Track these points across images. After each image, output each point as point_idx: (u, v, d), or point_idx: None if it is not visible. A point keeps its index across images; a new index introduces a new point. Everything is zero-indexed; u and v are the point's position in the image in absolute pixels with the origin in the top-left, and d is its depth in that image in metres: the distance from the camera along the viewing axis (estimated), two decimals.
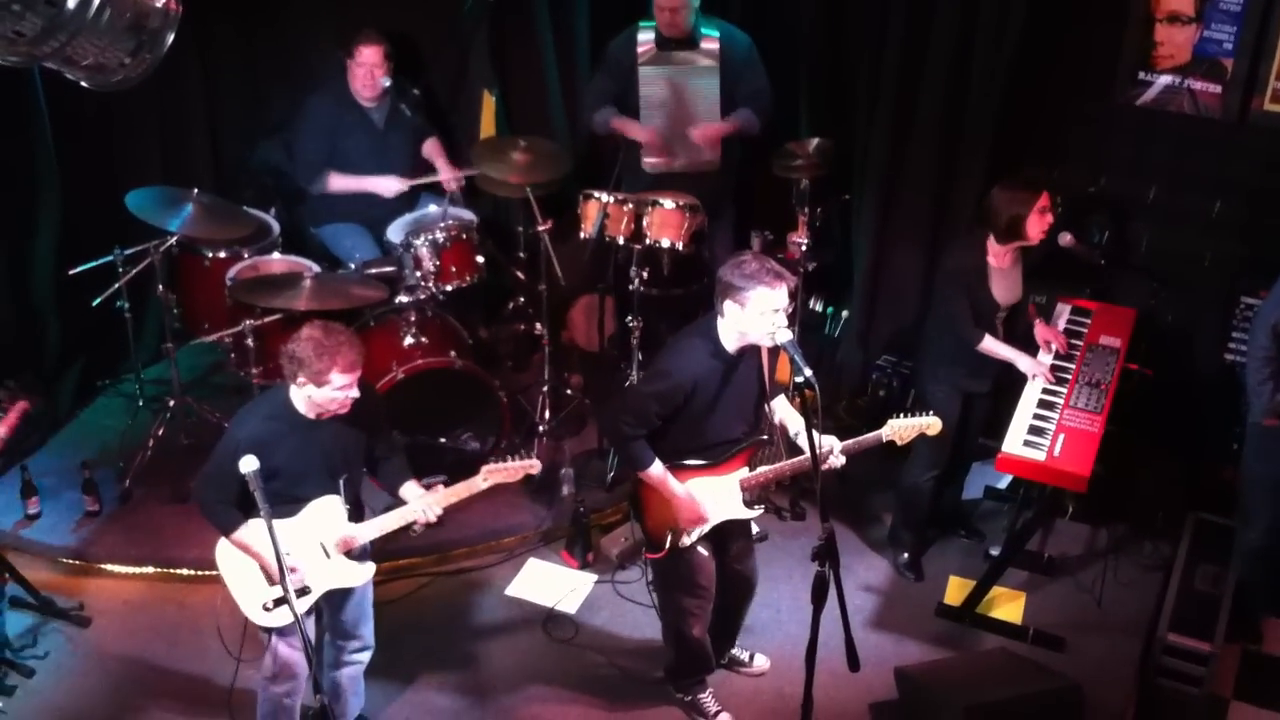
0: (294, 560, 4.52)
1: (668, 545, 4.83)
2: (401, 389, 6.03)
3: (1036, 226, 5.38)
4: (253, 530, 4.48)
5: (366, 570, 4.75)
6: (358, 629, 4.93)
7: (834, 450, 4.70)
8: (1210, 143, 6.07)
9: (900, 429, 4.83)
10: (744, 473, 4.83)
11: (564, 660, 5.57)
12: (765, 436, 4.87)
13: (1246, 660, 5.55)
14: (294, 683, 4.75)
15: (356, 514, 4.71)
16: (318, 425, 4.50)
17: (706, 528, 4.85)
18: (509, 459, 4.74)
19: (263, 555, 4.50)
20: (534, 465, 4.78)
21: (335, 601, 4.77)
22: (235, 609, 4.63)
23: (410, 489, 4.78)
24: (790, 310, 4.51)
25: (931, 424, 4.85)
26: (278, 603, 4.58)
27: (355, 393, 4.45)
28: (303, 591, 4.57)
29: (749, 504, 4.88)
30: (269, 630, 4.64)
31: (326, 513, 4.59)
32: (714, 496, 4.80)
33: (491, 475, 4.71)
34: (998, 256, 5.48)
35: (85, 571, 5.95)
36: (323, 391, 4.38)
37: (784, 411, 4.93)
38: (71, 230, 6.62)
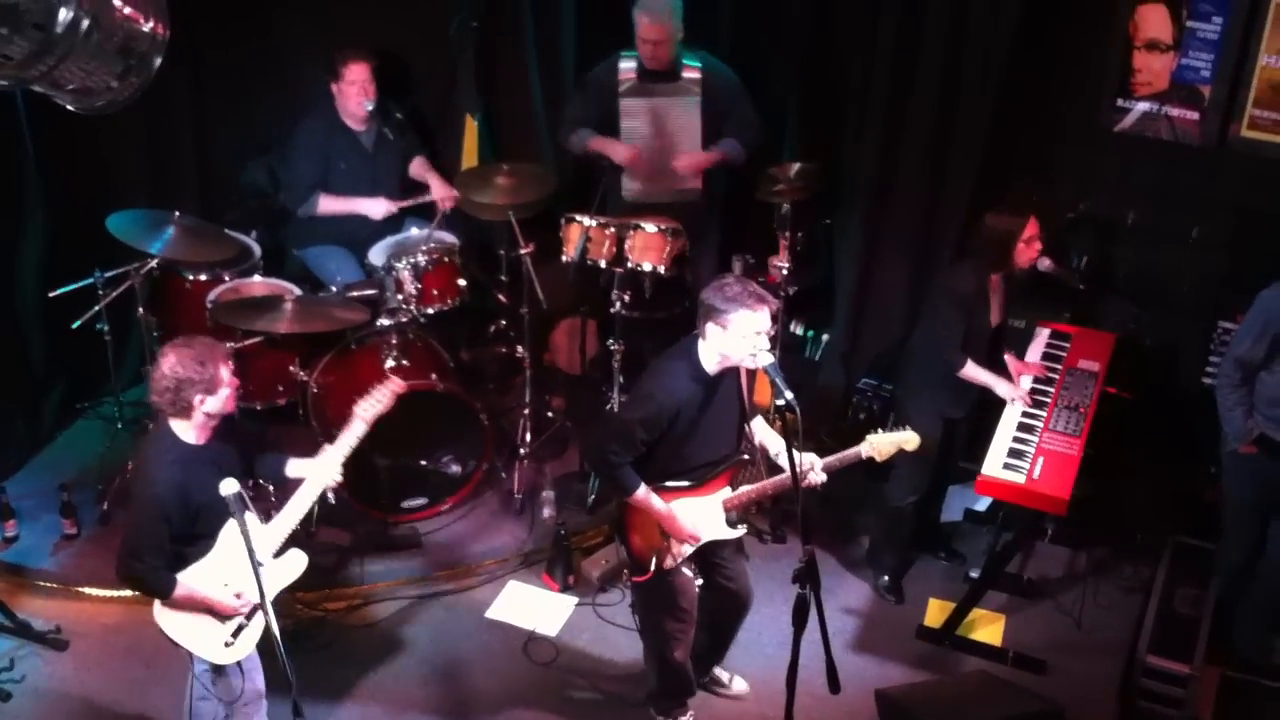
0: (235, 587, 4.47)
1: (653, 568, 4.83)
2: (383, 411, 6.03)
3: (1024, 254, 5.45)
4: (191, 579, 4.44)
5: (299, 559, 4.69)
6: None
7: (815, 467, 4.72)
8: (1189, 168, 6.11)
9: (879, 444, 4.82)
10: (726, 493, 4.84)
11: (545, 683, 5.56)
12: (746, 456, 4.87)
13: (1225, 683, 5.57)
14: (260, 702, 4.75)
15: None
16: (209, 447, 4.45)
17: (691, 549, 4.86)
18: (373, 391, 4.78)
19: (209, 596, 4.45)
20: (399, 385, 4.82)
21: None
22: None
23: (295, 465, 4.77)
24: (772, 333, 4.53)
25: (909, 439, 4.85)
26: (236, 633, 4.54)
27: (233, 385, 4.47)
28: (253, 612, 4.55)
29: (732, 524, 4.88)
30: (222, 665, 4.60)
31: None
32: (698, 517, 4.81)
33: (365, 413, 4.73)
34: (993, 281, 5.53)
35: (63, 594, 5.92)
36: (219, 395, 4.36)
37: (764, 432, 4.95)
38: (58, 252, 6.61)
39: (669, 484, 4.74)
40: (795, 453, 4.34)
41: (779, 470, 4.68)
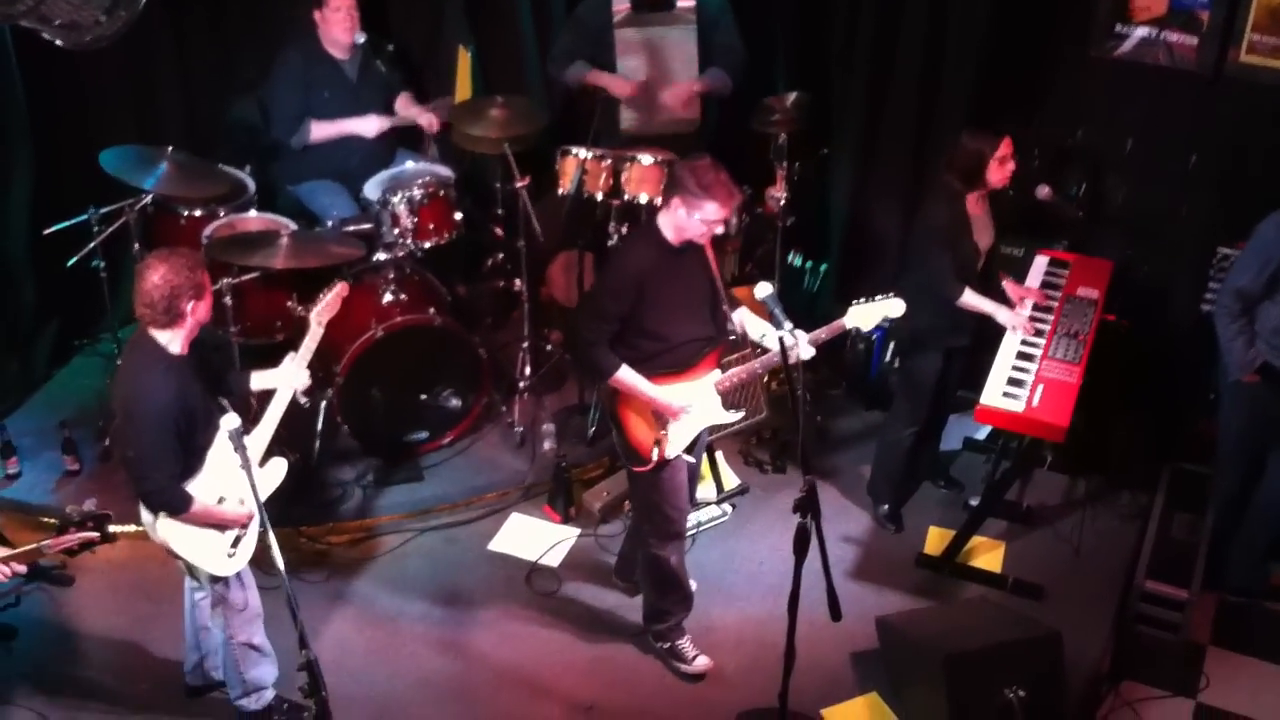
0: (233, 498, 4.56)
1: (654, 457, 4.88)
2: (381, 347, 6.04)
3: (997, 173, 5.39)
4: (200, 492, 4.51)
5: (280, 466, 4.79)
6: None
7: (802, 342, 4.76)
8: (1186, 95, 6.06)
9: (864, 313, 4.96)
10: (717, 375, 4.94)
11: (547, 613, 5.61)
12: (731, 336, 4.97)
13: (1223, 607, 5.62)
14: (259, 620, 4.84)
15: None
16: (190, 358, 4.51)
17: (689, 434, 4.93)
18: (322, 295, 4.92)
19: (223, 511, 4.55)
20: (344, 288, 4.97)
21: None
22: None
23: (259, 377, 4.86)
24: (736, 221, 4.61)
25: (893, 305, 4.98)
26: (236, 544, 4.63)
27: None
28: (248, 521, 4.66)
29: (728, 407, 4.99)
30: (222, 579, 4.67)
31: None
32: (691, 402, 4.89)
33: (320, 316, 4.90)
34: (971, 203, 5.49)
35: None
36: (205, 301, 4.45)
37: (744, 316, 5.03)
38: (47, 189, 6.57)
39: (658, 371, 4.82)
40: (797, 387, 4.36)
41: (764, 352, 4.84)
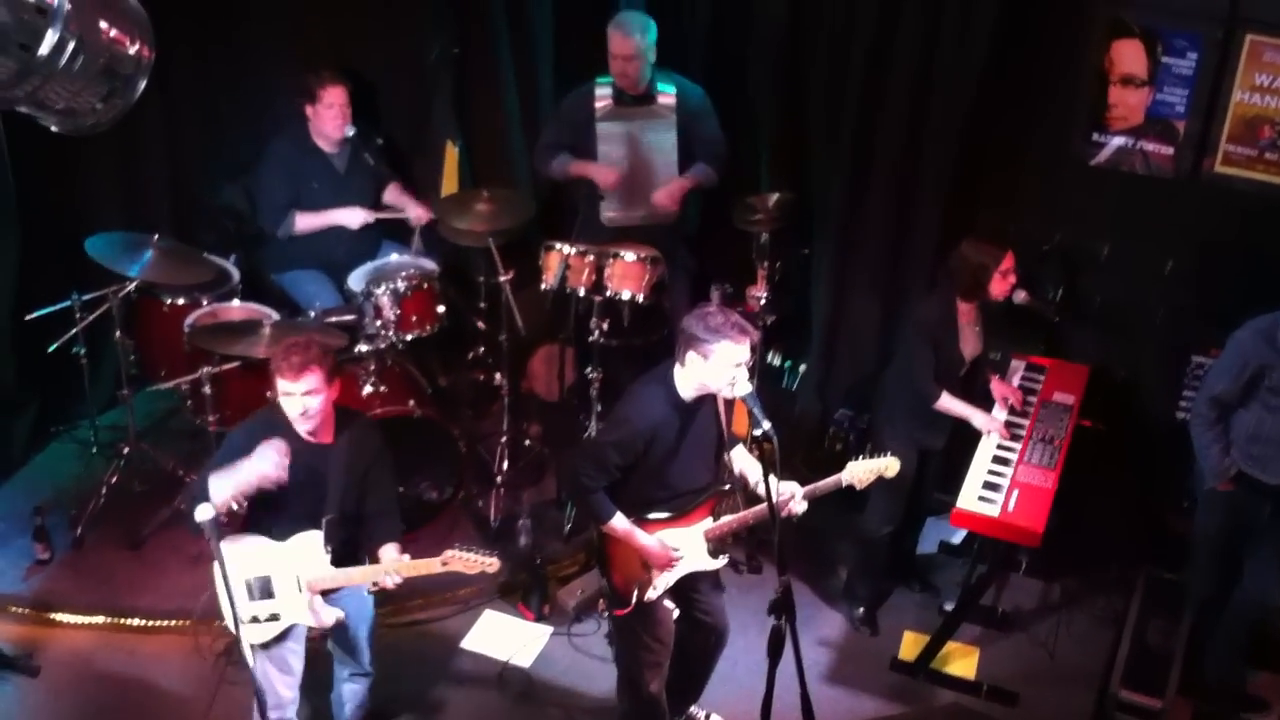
0: (273, 585, 4.59)
1: (634, 600, 4.81)
2: None
3: (999, 286, 5.47)
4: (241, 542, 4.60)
5: (331, 615, 4.71)
6: (355, 655, 5.04)
7: (796, 496, 4.71)
8: (1162, 202, 6.15)
9: (859, 471, 4.84)
10: (708, 523, 4.82)
11: (518, 715, 5.54)
12: (727, 486, 4.85)
13: (1198, 716, 5.58)
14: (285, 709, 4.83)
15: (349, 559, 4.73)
16: (321, 451, 4.59)
17: (673, 579, 4.84)
18: (473, 551, 4.65)
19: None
20: (494, 565, 4.68)
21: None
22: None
23: (388, 551, 4.73)
24: (750, 364, 4.54)
25: (889, 465, 4.87)
26: (270, 618, 4.63)
27: (312, 403, 4.50)
28: (273, 617, 4.62)
29: (714, 554, 4.87)
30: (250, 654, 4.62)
31: (307, 548, 4.60)
32: (682, 549, 4.79)
33: (451, 562, 4.64)
34: (963, 312, 5.55)
35: (35, 620, 5.86)
36: (282, 401, 4.51)
37: (743, 461, 4.93)
38: (32, 273, 6.57)
39: (651, 515, 4.72)
40: (772, 482, 4.32)
41: (759, 500, 4.63)
